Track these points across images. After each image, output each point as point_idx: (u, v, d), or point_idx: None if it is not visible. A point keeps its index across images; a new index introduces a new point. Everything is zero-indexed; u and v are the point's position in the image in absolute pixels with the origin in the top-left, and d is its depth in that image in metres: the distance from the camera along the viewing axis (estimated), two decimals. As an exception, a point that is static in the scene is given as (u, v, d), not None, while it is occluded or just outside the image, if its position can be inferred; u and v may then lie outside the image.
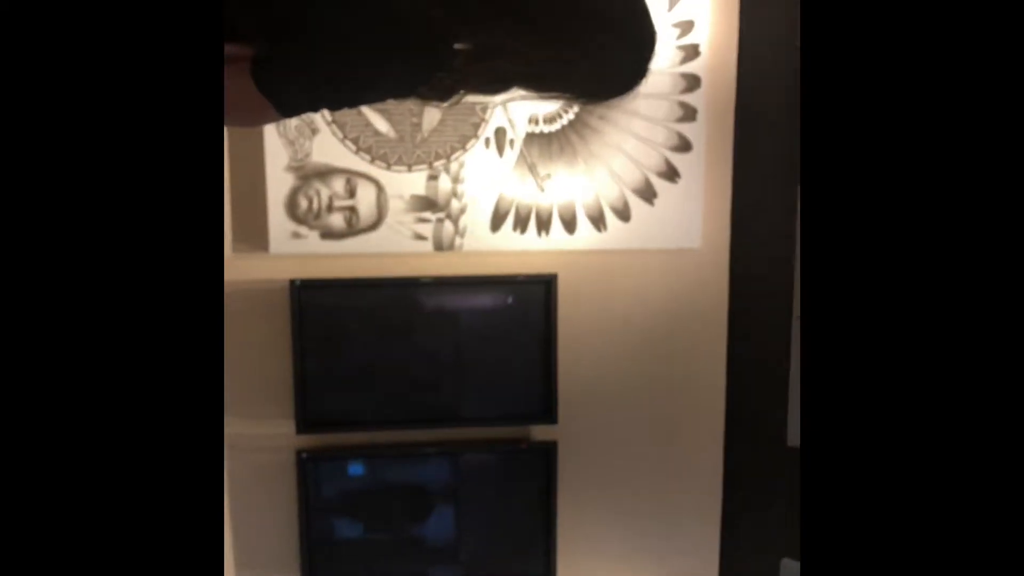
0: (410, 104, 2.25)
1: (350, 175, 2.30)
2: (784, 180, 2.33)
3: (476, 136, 2.34)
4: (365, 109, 2.26)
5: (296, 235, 2.29)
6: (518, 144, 2.35)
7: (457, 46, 1.03)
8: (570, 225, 2.41)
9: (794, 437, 2.28)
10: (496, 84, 1.10)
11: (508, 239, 2.38)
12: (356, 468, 2.44)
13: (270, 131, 2.25)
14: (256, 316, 2.33)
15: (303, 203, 2.29)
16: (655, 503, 2.61)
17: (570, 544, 2.57)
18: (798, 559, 2.23)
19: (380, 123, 2.29)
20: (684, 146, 2.42)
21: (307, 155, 2.27)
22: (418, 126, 2.30)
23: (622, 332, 2.51)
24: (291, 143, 2.26)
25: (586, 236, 2.41)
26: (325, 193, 2.29)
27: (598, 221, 2.41)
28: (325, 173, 2.29)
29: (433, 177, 2.33)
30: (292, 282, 2.30)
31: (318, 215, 2.30)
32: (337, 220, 2.31)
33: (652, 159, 2.42)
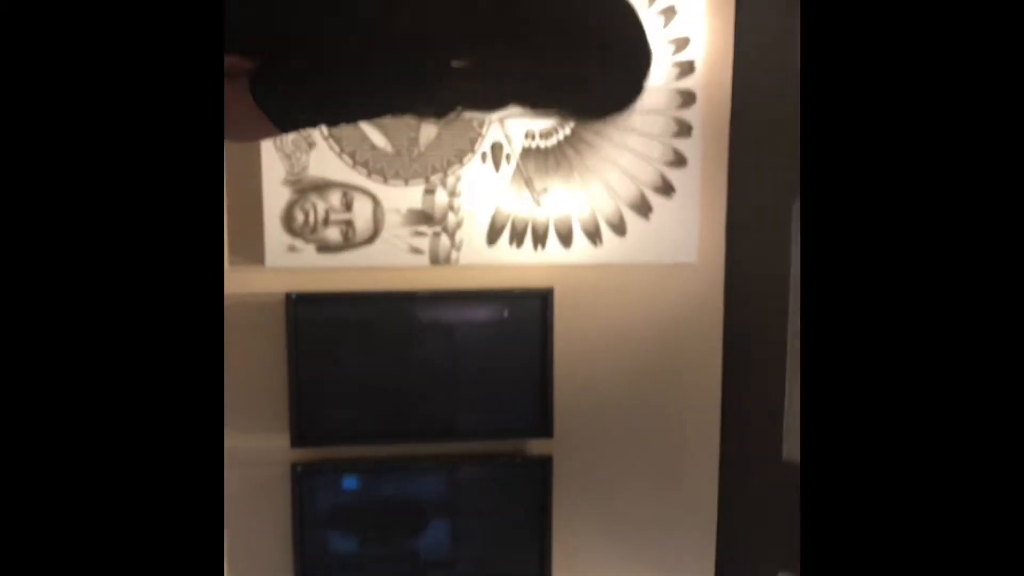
0: (407, 119, 2.25)
1: (347, 189, 2.30)
2: (779, 195, 2.34)
3: (473, 150, 2.35)
4: (362, 124, 2.27)
5: (292, 248, 2.29)
6: (514, 158, 2.36)
7: (454, 63, 1.03)
8: (566, 239, 2.41)
9: (790, 452, 2.29)
10: (493, 101, 1.11)
11: (504, 253, 2.38)
12: (351, 482, 2.44)
13: (267, 144, 2.25)
14: (251, 329, 2.33)
15: (299, 216, 2.29)
16: (650, 517, 2.61)
17: (566, 559, 2.56)
18: (793, 573, 2.23)
19: (377, 137, 2.30)
20: (679, 161, 2.43)
21: (304, 169, 2.28)
22: (415, 140, 2.31)
23: (618, 346, 2.52)
24: (288, 157, 2.26)
25: (582, 250, 2.42)
26: (322, 207, 2.30)
27: (594, 235, 2.42)
28: (322, 187, 2.29)
29: (430, 191, 2.34)
30: (288, 295, 2.30)
31: (314, 229, 2.30)
32: (333, 234, 2.32)
33: (648, 174, 2.43)
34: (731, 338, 2.56)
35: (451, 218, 2.35)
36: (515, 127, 2.34)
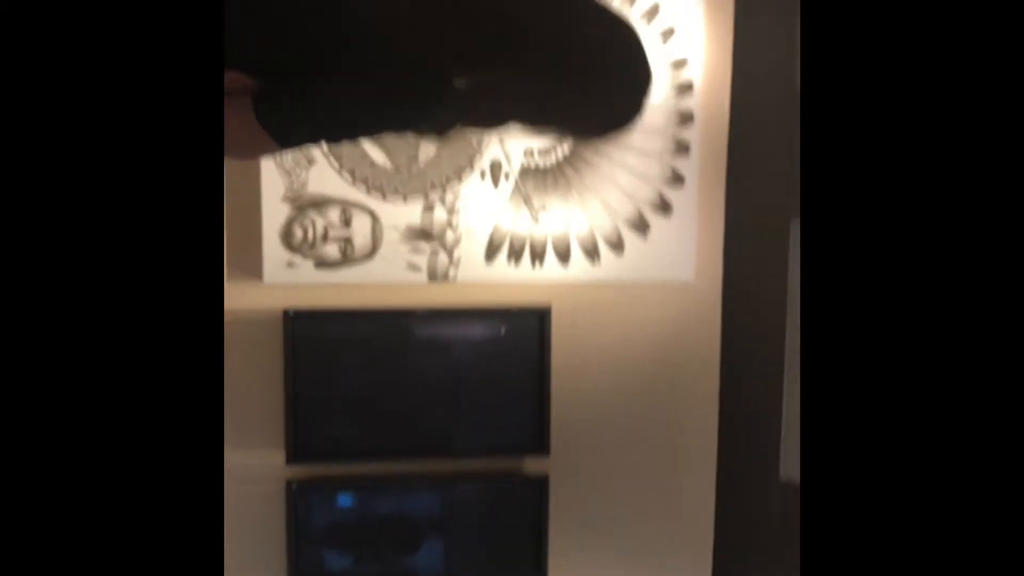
0: (407, 136, 2.26)
1: (346, 205, 2.31)
2: (776, 216, 2.35)
3: (472, 168, 2.35)
4: (363, 141, 2.27)
5: (290, 264, 2.29)
6: (513, 176, 2.37)
7: (456, 82, 1.04)
8: (564, 257, 2.42)
9: (787, 471, 2.28)
10: (493, 120, 1.11)
11: (502, 270, 2.39)
12: (346, 499, 2.42)
13: (267, 161, 2.26)
14: (249, 345, 2.32)
15: (298, 233, 2.29)
16: (647, 537, 2.59)
17: (561, 578, 2.54)
18: (791, 595, 2.21)
19: (376, 154, 2.30)
20: (678, 180, 2.44)
21: (303, 185, 2.28)
22: (414, 158, 2.32)
23: (615, 364, 2.51)
24: (288, 173, 2.27)
25: (580, 268, 2.42)
26: (320, 223, 2.30)
27: (592, 253, 2.43)
28: (321, 203, 2.30)
29: (428, 208, 2.34)
30: (286, 311, 2.29)
31: (313, 245, 2.31)
32: (332, 250, 2.32)
33: (646, 193, 2.43)
34: (728, 357, 2.56)
35: (449, 235, 2.36)
36: (514, 145, 2.35)
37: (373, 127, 1.13)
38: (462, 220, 2.35)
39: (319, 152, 2.27)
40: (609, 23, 1.13)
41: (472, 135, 2.31)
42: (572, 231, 2.41)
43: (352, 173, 2.30)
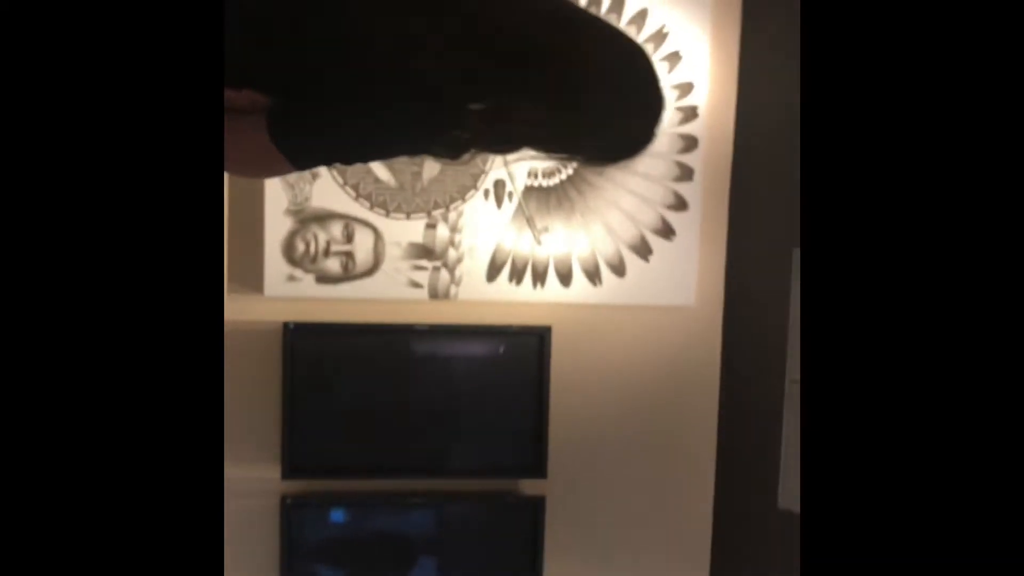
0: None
1: (348, 220, 2.31)
2: (779, 241, 2.36)
3: (475, 187, 2.36)
4: (369, 158, 2.28)
5: (291, 278, 2.29)
6: (517, 196, 2.37)
7: (471, 107, 1.04)
8: (566, 278, 2.42)
9: (785, 499, 2.27)
10: (507, 144, 1.11)
11: (503, 290, 2.38)
12: (340, 515, 2.41)
13: (271, 174, 2.26)
14: (248, 358, 2.31)
15: (300, 246, 2.29)
16: (645, 562, 2.58)
17: (555, 600, 2.53)
18: (786, 623, 2.20)
19: (381, 171, 2.30)
20: (680, 205, 2.45)
21: (306, 199, 2.28)
22: (418, 175, 2.32)
23: (614, 387, 2.51)
24: (291, 187, 2.27)
25: (581, 290, 2.42)
26: (323, 237, 2.30)
27: (593, 275, 2.43)
28: (324, 218, 2.30)
29: (431, 226, 2.34)
30: (285, 325, 2.29)
31: (314, 259, 2.30)
32: (333, 265, 2.31)
33: (648, 216, 2.44)
34: (728, 382, 2.56)
35: (451, 253, 2.35)
36: (518, 165, 2.36)
37: (388, 150, 1.13)
38: (465, 239, 2.35)
39: (324, 167, 2.27)
40: (624, 49, 1.13)
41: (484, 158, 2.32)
42: (574, 252, 2.41)
43: (356, 188, 2.30)
